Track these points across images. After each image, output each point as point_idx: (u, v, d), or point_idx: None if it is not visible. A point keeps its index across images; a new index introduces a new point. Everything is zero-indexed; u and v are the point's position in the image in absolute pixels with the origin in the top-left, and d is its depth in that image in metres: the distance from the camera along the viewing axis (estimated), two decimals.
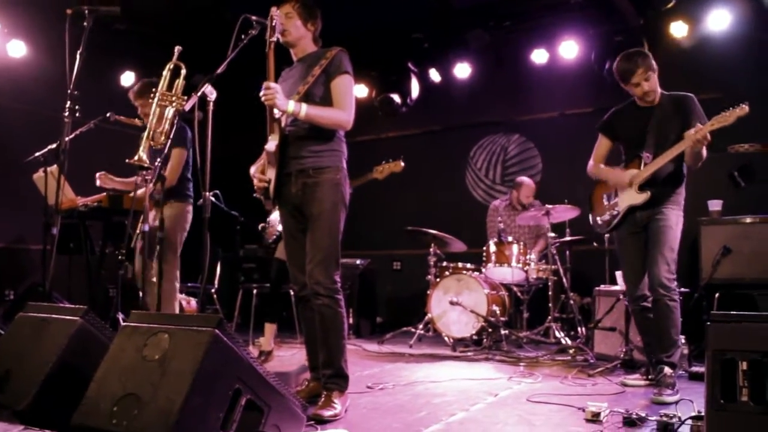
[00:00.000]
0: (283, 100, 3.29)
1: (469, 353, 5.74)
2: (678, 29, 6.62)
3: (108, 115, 4.83)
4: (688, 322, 4.39)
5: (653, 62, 4.03)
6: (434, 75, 8.17)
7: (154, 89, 3.78)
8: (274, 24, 3.34)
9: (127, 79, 7.57)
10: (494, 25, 7.42)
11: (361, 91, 8.17)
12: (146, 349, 2.26)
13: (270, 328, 5.37)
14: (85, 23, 3.76)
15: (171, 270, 4.73)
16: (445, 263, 6.54)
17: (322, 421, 3.12)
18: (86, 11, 3.77)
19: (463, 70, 7.98)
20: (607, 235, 5.60)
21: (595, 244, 6.04)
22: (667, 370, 3.83)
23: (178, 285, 4.83)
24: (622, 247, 4.23)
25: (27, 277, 7.09)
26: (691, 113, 3.96)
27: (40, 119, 6.51)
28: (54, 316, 2.80)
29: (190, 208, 4.88)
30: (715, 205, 5.54)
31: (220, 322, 2.22)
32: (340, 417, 3.25)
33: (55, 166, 4.42)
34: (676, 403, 3.54)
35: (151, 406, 2.07)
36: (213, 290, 6.77)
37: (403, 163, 5.09)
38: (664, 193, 4.04)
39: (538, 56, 7.49)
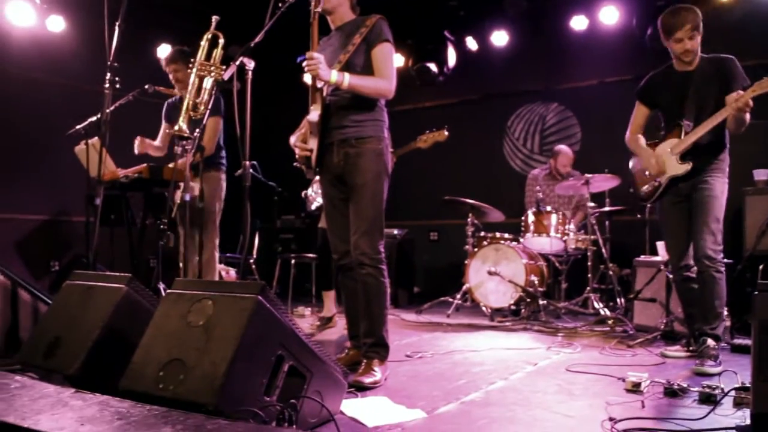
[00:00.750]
0: (326, 70, 3.27)
1: (507, 323, 5.73)
2: None
3: (146, 86, 4.87)
4: (731, 294, 4.29)
5: (701, 23, 3.87)
6: (471, 43, 8.07)
7: (192, 59, 3.79)
8: None
9: (164, 51, 7.59)
10: None
11: (398, 60, 8.11)
12: (190, 315, 2.29)
13: (328, 295, 5.54)
14: None
15: (211, 240, 4.78)
16: (482, 233, 6.51)
17: (363, 388, 3.15)
18: None
19: (500, 38, 7.86)
20: (648, 205, 5.52)
21: (638, 216, 5.95)
22: (711, 341, 3.78)
23: (217, 255, 4.89)
24: (665, 217, 4.14)
25: (70, 248, 7.24)
26: (732, 77, 3.82)
27: (80, 93, 6.61)
28: (100, 284, 2.85)
29: (224, 176, 4.92)
30: (760, 174, 5.39)
31: (263, 289, 2.24)
32: (381, 384, 3.28)
33: (96, 138, 4.48)
34: (719, 374, 3.48)
35: (197, 371, 2.10)
36: (251, 261, 6.84)
37: (447, 133, 5.06)
38: (707, 161, 3.93)
39: (578, 22, 7.35)
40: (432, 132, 5.08)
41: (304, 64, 3.25)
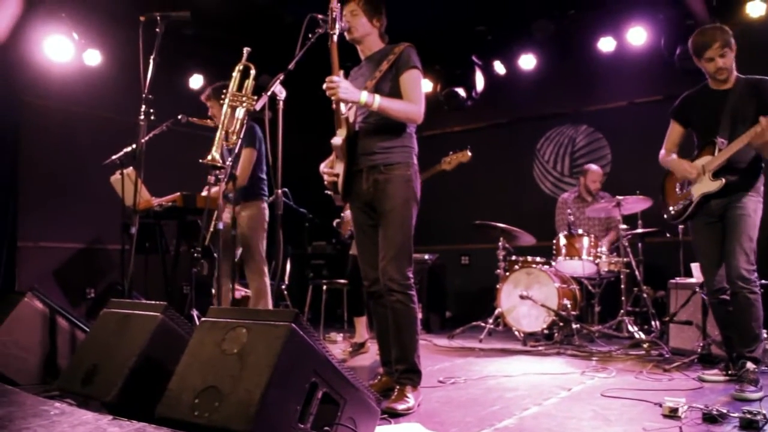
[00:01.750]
0: (352, 92, 3.30)
1: (540, 348, 5.68)
2: (754, 9, 6.31)
3: (180, 117, 4.96)
4: None
5: (732, 40, 3.85)
6: (499, 67, 8.08)
7: (224, 91, 3.87)
8: (334, 16, 3.34)
9: (196, 81, 7.76)
10: (559, 14, 7.27)
11: (426, 85, 8.16)
12: (225, 343, 2.32)
13: (359, 321, 5.58)
14: (157, 29, 3.88)
15: (258, 268, 4.83)
16: (514, 257, 6.48)
17: (396, 415, 3.15)
18: (158, 17, 3.90)
19: (528, 62, 7.86)
20: (681, 226, 5.45)
21: (668, 235, 5.88)
22: (750, 365, 3.71)
23: (268, 281, 4.92)
24: (698, 238, 4.10)
25: (106, 276, 7.36)
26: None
27: (115, 124, 6.75)
28: (136, 312, 2.90)
29: (266, 206, 4.98)
30: None
31: (297, 317, 2.26)
32: (414, 410, 3.27)
33: (131, 168, 4.57)
34: (761, 399, 3.42)
35: (232, 398, 2.12)
36: (284, 287, 6.88)
37: (470, 153, 5.08)
38: (741, 179, 3.88)
39: (605, 44, 7.32)
40: (455, 153, 5.10)
41: (324, 87, 3.30)
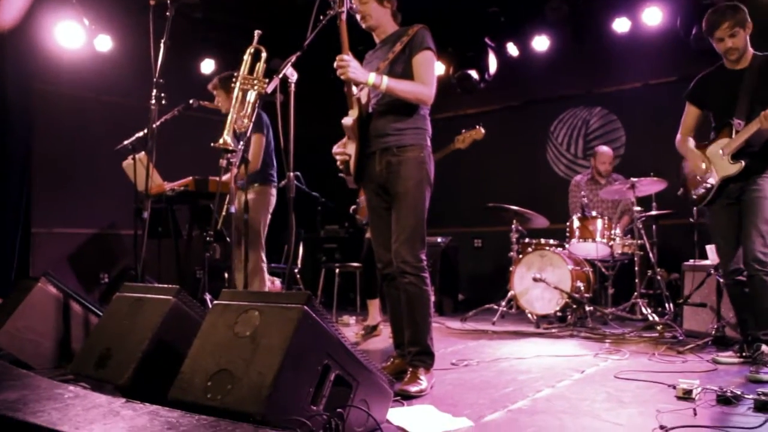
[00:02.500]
0: (361, 72, 3.30)
1: (553, 330, 5.67)
2: None
3: (191, 101, 4.97)
4: None
5: (747, 18, 3.79)
6: (512, 49, 8.01)
7: (235, 74, 3.85)
8: None
9: (207, 66, 7.76)
10: None
11: (439, 68, 8.06)
12: (237, 326, 2.32)
13: (372, 304, 5.60)
14: (167, 13, 3.86)
15: (255, 251, 4.84)
16: (527, 239, 6.47)
17: (409, 397, 3.15)
18: (168, 1, 3.88)
19: (541, 43, 7.79)
20: (695, 208, 5.40)
21: (691, 220, 5.83)
22: (765, 347, 3.70)
23: (265, 266, 4.95)
24: (715, 219, 4.05)
25: (119, 260, 7.41)
26: None
27: (127, 109, 6.78)
28: (148, 295, 2.90)
29: (274, 191, 5.00)
30: None
31: (309, 299, 2.26)
32: (426, 393, 3.27)
33: (143, 153, 4.58)
34: None
35: (244, 381, 2.13)
36: (296, 270, 6.90)
37: (483, 130, 5.05)
38: (759, 162, 3.82)
39: (620, 25, 7.23)
40: (468, 131, 5.08)
41: (335, 65, 3.28)
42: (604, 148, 6.90)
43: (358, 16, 3.54)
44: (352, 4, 3.45)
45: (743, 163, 3.81)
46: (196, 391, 2.23)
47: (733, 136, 3.85)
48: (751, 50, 3.88)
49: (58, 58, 6.77)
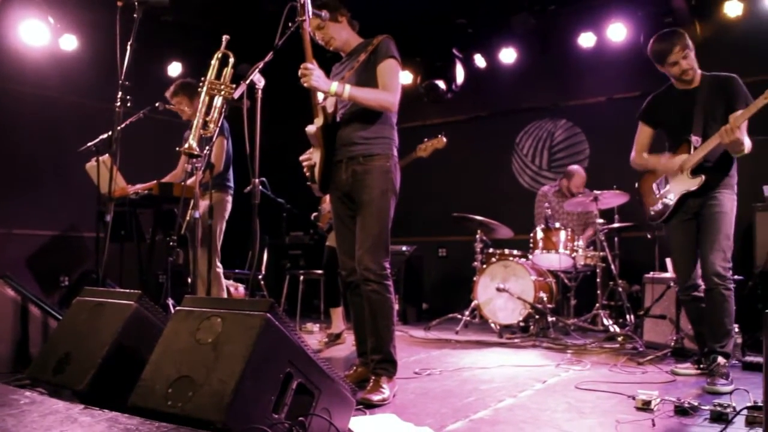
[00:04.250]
0: (323, 81, 3.32)
1: (515, 340, 5.71)
2: (732, 8, 6.39)
3: (157, 104, 4.93)
4: (742, 311, 4.28)
5: (689, 40, 3.90)
6: (479, 61, 8.09)
7: (202, 79, 3.82)
8: (303, 2, 3.31)
9: (174, 69, 7.69)
10: (539, 9, 7.29)
11: (406, 77, 8.14)
12: (199, 332, 2.30)
13: (335, 312, 5.59)
14: (135, 15, 3.82)
15: (213, 258, 4.80)
16: (491, 249, 6.51)
17: (371, 405, 3.15)
18: (136, 3, 3.83)
19: (508, 55, 7.88)
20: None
21: (648, 236, 5.93)
22: (721, 359, 3.75)
23: (221, 271, 4.91)
24: (672, 236, 4.10)
25: (80, 264, 7.28)
26: (735, 95, 3.82)
27: (91, 110, 6.68)
28: (110, 300, 2.86)
29: (230, 198, 4.99)
30: None
31: (272, 307, 2.25)
32: (389, 401, 3.28)
33: (107, 155, 4.51)
34: (731, 393, 3.47)
35: (205, 388, 2.11)
36: (260, 277, 6.86)
37: (445, 139, 5.07)
38: (716, 177, 3.90)
39: (585, 40, 7.35)
40: (431, 140, 5.09)
41: (299, 73, 3.29)
42: (580, 170, 6.93)
43: (321, 43, 3.62)
44: (314, 34, 3.50)
45: (703, 177, 3.88)
46: (156, 398, 2.20)
47: (692, 152, 3.93)
48: (698, 69, 3.98)
49: (21, 56, 6.66)
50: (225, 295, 4.98)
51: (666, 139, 4.17)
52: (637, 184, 4.38)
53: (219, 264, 4.92)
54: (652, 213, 4.22)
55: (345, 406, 2.59)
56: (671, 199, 4.05)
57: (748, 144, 3.77)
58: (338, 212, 3.66)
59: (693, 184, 3.92)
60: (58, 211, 6.99)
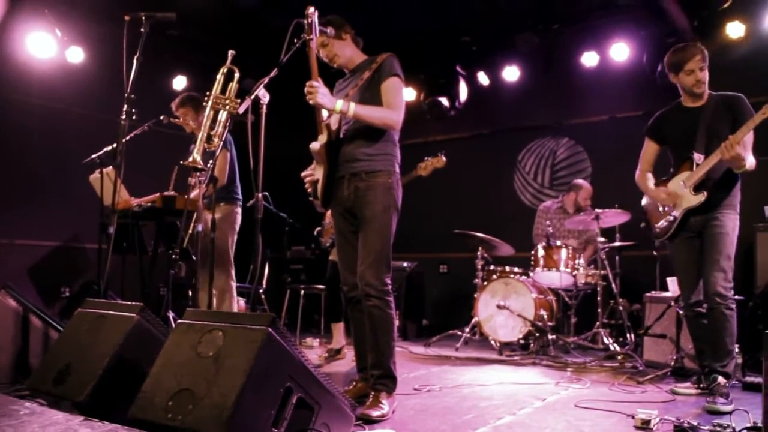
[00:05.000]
0: (329, 98, 3.35)
1: (515, 357, 5.70)
2: (734, 30, 6.43)
3: (161, 117, 4.95)
4: (743, 331, 4.27)
5: (707, 57, 3.95)
6: (483, 78, 8.13)
7: (207, 95, 3.84)
8: (310, 21, 3.33)
9: (179, 83, 7.73)
10: (543, 28, 7.34)
11: (410, 94, 8.17)
12: (201, 346, 2.31)
13: (337, 327, 5.57)
14: (142, 29, 3.85)
15: (225, 271, 4.81)
16: (492, 267, 6.51)
17: (370, 421, 3.15)
18: (143, 17, 3.87)
19: (511, 74, 7.92)
20: (657, 242, 5.51)
21: (654, 253, 5.93)
22: (721, 379, 3.75)
23: (234, 284, 4.91)
24: (677, 253, 4.13)
25: (82, 275, 7.28)
26: (741, 114, 3.85)
27: (96, 122, 6.71)
28: (111, 312, 2.88)
29: (239, 209, 4.99)
30: None
31: (273, 321, 2.26)
32: (388, 417, 3.27)
33: (111, 167, 4.54)
34: (731, 413, 3.46)
35: (206, 401, 2.12)
36: (261, 291, 6.86)
37: (444, 158, 5.08)
38: (719, 195, 3.93)
39: (588, 59, 7.39)
40: (430, 159, 5.11)
41: (305, 91, 3.32)
42: (586, 183, 6.96)
43: (325, 60, 3.65)
44: (322, 55, 3.54)
45: (706, 194, 3.90)
46: (156, 410, 2.21)
47: (694, 169, 3.95)
48: (707, 89, 4.01)
49: (28, 68, 6.70)
50: (236, 309, 4.97)
51: (670, 157, 4.20)
52: (643, 202, 4.39)
53: (233, 276, 4.92)
54: (657, 230, 4.23)
55: (344, 422, 2.59)
56: (675, 216, 4.07)
57: (751, 161, 3.80)
58: (340, 228, 3.68)
59: (695, 200, 3.94)
60: (60, 222, 7.01)
